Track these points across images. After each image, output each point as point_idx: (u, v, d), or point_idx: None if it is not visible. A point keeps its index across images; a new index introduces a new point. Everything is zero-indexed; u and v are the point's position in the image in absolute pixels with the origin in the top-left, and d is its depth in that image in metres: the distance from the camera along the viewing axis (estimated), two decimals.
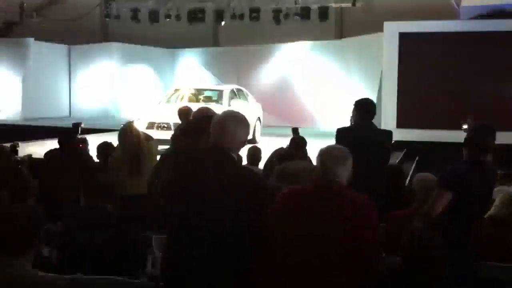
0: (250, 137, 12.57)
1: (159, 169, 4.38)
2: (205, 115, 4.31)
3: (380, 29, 15.12)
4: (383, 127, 14.48)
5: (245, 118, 2.90)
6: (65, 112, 20.06)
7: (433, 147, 11.92)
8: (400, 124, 14.23)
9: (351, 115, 5.06)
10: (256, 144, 7.80)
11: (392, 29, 14.42)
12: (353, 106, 4.99)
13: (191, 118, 7.10)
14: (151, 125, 11.02)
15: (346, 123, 16.65)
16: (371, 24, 16.22)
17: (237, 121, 2.84)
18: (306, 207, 2.74)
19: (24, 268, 2.67)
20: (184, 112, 6.91)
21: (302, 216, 2.72)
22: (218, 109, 9.84)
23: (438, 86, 14.10)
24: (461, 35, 13.93)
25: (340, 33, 19.31)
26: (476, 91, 13.90)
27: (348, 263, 2.63)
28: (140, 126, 11.19)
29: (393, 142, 12.13)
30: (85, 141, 6.29)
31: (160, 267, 2.90)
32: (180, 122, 10.11)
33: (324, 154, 2.82)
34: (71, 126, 6.18)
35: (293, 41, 18.27)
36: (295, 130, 7.67)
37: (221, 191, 2.68)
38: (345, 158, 2.82)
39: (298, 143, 6.23)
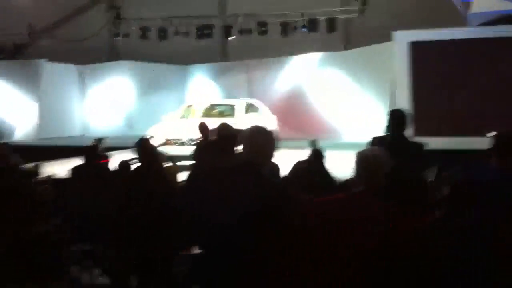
0: None
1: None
2: (229, 132, 4.33)
3: (387, 38, 15.17)
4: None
5: (272, 133, 2.93)
6: (79, 131, 20.20)
7: (451, 154, 11.88)
8: (416, 133, 14.18)
9: (386, 124, 5.04)
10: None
11: (402, 38, 14.45)
12: (387, 116, 4.99)
13: (211, 134, 7.18)
14: (166, 142, 11.10)
15: (357, 133, 16.74)
16: (377, 34, 16.29)
17: (266, 136, 2.87)
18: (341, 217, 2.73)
19: None
20: (205, 128, 6.95)
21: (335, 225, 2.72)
22: (232, 123, 9.94)
23: (451, 93, 14.07)
24: (471, 41, 13.93)
25: (348, 44, 19.39)
26: (489, 96, 13.86)
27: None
28: (155, 142, 11.34)
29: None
30: (107, 157, 6.34)
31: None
32: (194, 137, 10.23)
33: (368, 158, 2.81)
34: (93, 142, 6.21)
35: (301, 53, 18.34)
36: (313, 143, 7.65)
37: (248, 209, 2.71)
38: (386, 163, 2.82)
39: (317, 156, 6.26)
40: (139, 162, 5.56)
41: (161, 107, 19.46)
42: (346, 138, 16.83)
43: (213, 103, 13.78)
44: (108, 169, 5.96)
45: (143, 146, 5.42)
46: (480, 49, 13.90)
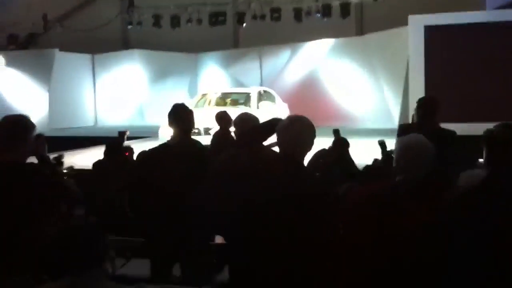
0: None
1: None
2: (251, 122, 4.16)
3: (400, 23, 15.00)
4: (411, 121, 14.39)
5: (310, 123, 2.83)
6: (91, 121, 20.24)
7: (469, 140, 11.75)
8: None
9: (413, 112, 4.98)
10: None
11: (417, 22, 14.26)
12: (416, 104, 4.93)
13: (232, 124, 7.09)
14: None
15: (373, 120, 16.58)
16: (391, 19, 16.11)
17: (303, 124, 2.77)
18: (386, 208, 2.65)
19: (102, 282, 2.68)
20: (224, 117, 6.86)
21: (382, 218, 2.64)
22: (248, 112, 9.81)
23: (467, 78, 13.89)
24: (488, 25, 13.72)
25: (361, 29, 19.21)
26: (506, 82, 13.69)
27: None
28: (168, 132, 11.28)
29: None
30: (131, 150, 6.29)
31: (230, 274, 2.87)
32: (209, 127, 10.18)
33: (410, 147, 2.67)
34: (117, 134, 6.14)
35: (314, 39, 18.19)
36: (336, 132, 7.49)
37: (289, 203, 2.62)
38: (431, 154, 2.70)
39: (343, 145, 6.18)
40: None
41: (173, 96, 19.43)
42: (360, 124, 16.74)
43: (227, 91, 13.63)
44: (133, 161, 5.91)
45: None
46: (498, 33, 13.70)
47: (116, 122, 19.23)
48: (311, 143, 2.79)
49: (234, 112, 8.70)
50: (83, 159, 9.92)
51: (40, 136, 3.59)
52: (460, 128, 12.83)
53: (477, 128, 12.65)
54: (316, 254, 2.60)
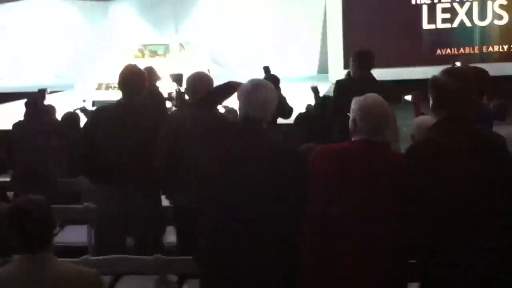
0: None
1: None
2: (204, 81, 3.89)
3: None
4: (330, 68, 14.55)
5: (273, 86, 2.78)
6: None
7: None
8: (348, 65, 14.27)
9: (350, 67, 5.04)
10: None
11: None
12: (351, 56, 5.00)
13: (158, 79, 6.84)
14: (99, 86, 10.57)
15: (294, 68, 16.60)
16: None
17: (267, 90, 2.70)
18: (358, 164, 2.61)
19: (53, 259, 2.52)
20: (150, 72, 6.56)
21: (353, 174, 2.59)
22: (167, 63, 9.57)
23: (386, 22, 14.09)
24: None
25: None
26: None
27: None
28: (86, 87, 10.76)
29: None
30: (53, 108, 5.88)
31: (200, 246, 2.76)
32: None
33: (369, 109, 2.64)
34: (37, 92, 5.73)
35: None
36: (315, 89, 7.19)
37: (260, 167, 2.57)
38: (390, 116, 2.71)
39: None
40: None
41: (84, 47, 18.43)
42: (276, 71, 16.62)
43: (145, 43, 13.04)
44: (56, 119, 5.55)
45: None
46: None
47: (20, 79, 18.01)
48: (274, 106, 2.75)
49: (153, 64, 8.51)
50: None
51: None
52: (382, 73, 13.28)
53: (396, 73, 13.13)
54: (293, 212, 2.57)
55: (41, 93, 5.60)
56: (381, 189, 2.56)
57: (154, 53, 12.42)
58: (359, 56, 4.92)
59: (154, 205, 3.75)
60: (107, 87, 10.51)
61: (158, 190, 3.74)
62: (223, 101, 3.05)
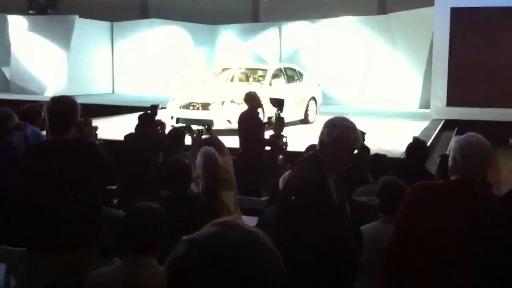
0: (302, 117, 12.20)
1: None
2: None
3: (425, 4, 14.77)
4: (432, 105, 14.29)
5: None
6: (109, 89, 20.21)
7: (485, 125, 11.62)
8: (452, 103, 13.93)
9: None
10: None
11: (444, 4, 13.96)
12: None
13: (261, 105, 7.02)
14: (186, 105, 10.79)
15: (391, 101, 16.35)
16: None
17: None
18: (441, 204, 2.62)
19: (155, 265, 2.66)
20: (252, 97, 6.76)
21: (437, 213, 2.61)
22: (258, 89, 9.70)
23: (492, 63, 13.66)
24: None
25: (383, 8, 18.93)
26: None
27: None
28: (176, 105, 11.05)
29: (444, 121, 11.96)
30: (163, 124, 6.21)
31: None
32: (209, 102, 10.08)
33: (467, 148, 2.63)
34: (149, 108, 5.98)
35: (335, 16, 17.92)
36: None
37: None
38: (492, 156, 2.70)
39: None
40: None
41: (189, 67, 19.27)
42: (379, 106, 16.64)
43: (248, 67, 13.29)
44: (165, 136, 5.83)
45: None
46: None
47: (133, 90, 19.20)
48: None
49: (248, 89, 8.56)
50: (104, 128, 9.87)
51: (88, 122, 3.57)
52: (486, 113, 12.85)
53: (498, 114, 12.60)
54: None
55: (154, 108, 5.87)
56: (475, 229, 2.52)
57: (253, 78, 12.51)
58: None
59: None
60: (189, 106, 10.68)
61: None
62: None
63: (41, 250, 3.08)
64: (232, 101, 10.28)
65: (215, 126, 8.50)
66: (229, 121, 9.64)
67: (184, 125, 5.86)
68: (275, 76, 12.01)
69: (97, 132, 5.32)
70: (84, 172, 3.11)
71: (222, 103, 10.38)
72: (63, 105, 3.17)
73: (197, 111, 10.46)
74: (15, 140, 4.50)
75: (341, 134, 2.65)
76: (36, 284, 3.04)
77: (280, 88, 11.16)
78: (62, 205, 3.08)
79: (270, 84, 11.51)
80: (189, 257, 1.07)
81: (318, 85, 13.33)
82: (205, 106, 10.47)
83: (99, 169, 3.16)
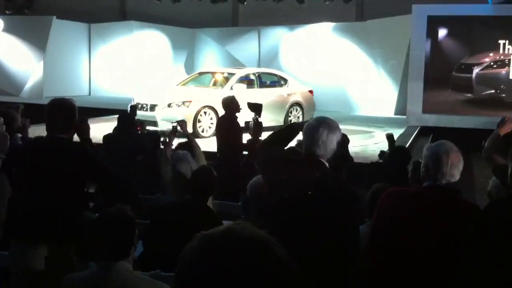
0: (281, 122, 12.26)
1: None
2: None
3: (402, 12, 14.96)
4: (408, 112, 14.47)
5: (337, 125, 2.86)
6: (85, 91, 20.00)
7: (461, 133, 11.80)
8: (427, 109, 14.13)
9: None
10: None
11: (421, 12, 14.17)
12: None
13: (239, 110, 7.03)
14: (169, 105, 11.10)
15: (367, 107, 16.55)
16: (392, 7, 16.05)
17: (329, 128, 2.80)
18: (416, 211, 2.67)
19: (129, 269, 2.65)
20: (231, 102, 6.75)
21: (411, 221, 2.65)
22: (217, 93, 10.20)
23: (468, 71, 13.90)
24: (492, 19, 13.69)
25: (362, 15, 19.11)
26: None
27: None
28: (159, 107, 11.19)
29: (419, 127, 12.05)
30: (142, 124, 6.17)
31: None
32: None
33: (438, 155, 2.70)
34: (128, 108, 5.95)
35: (314, 22, 18.03)
36: (390, 137, 6.51)
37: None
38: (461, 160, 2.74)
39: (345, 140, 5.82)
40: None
41: (169, 71, 19.23)
42: (355, 111, 16.78)
43: (229, 71, 13.28)
44: (144, 137, 5.80)
45: None
46: (501, 27, 13.68)
47: (109, 93, 19.04)
48: (334, 144, 2.83)
49: (206, 93, 9.51)
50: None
51: (83, 120, 3.71)
52: (461, 120, 13.00)
53: (476, 121, 12.79)
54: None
55: (133, 109, 5.85)
56: (446, 235, 2.58)
57: (221, 81, 12.65)
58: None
59: None
60: (141, 107, 11.08)
61: None
62: (287, 143, 3.13)
63: (29, 240, 3.29)
64: (177, 104, 10.98)
65: (159, 127, 10.00)
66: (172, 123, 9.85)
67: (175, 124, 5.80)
68: (242, 81, 12.12)
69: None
70: (73, 170, 3.36)
71: (169, 105, 11.01)
72: (64, 109, 3.45)
73: (145, 112, 10.97)
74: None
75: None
76: (28, 272, 3.21)
77: (243, 93, 10.97)
78: (50, 199, 3.31)
79: (231, 89, 11.51)
80: (199, 249, 1.07)
81: (309, 91, 13.42)
82: (152, 108, 11.09)
83: (87, 169, 3.41)
